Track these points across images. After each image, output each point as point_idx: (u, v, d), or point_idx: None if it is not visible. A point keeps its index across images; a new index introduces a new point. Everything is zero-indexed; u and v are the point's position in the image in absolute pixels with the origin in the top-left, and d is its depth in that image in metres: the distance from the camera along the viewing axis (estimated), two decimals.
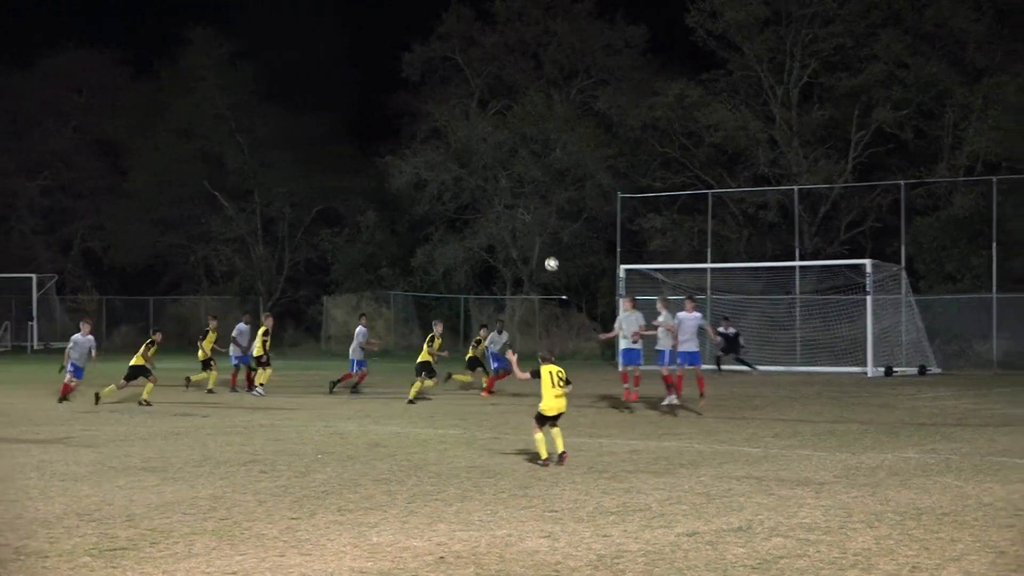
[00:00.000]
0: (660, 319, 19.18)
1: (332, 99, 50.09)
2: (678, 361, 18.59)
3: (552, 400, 12.21)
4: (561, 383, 12.26)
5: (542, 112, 43.69)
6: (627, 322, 19.73)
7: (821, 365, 31.83)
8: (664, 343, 19.11)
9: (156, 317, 50.01)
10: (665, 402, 18.96)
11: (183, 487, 11.72)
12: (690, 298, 19.31)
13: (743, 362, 30.43)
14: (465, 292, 44.53)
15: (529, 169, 43.47)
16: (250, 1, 52.64)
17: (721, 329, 29.34)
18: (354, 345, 23.37)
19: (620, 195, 37.91)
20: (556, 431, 12.35)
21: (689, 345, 18.47)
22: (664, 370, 18.94)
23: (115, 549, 8.64)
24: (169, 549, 8.62)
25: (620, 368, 21.93)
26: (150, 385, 20.84)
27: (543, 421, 12.34)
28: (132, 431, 17.05)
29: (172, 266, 54.11)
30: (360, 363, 23.29)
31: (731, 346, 30.25)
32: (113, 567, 8.02)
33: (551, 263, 21.60)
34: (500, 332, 24.17)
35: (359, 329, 23.47)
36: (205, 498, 11.01)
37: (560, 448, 12.24)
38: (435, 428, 17.13)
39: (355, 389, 23.22)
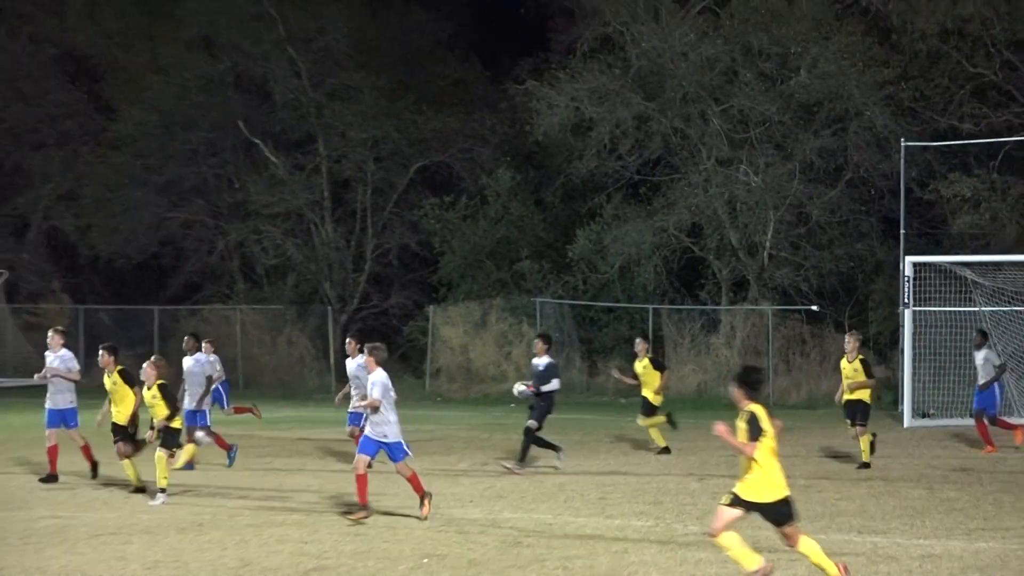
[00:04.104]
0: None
1: None
2: None
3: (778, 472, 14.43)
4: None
5: (777, 10, 47.97)
6: None
7: None
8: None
9: (164, 336, 56.38)
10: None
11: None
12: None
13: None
14: (655, 299, 49.64)
15: (757, 102, 48.28)
16: None
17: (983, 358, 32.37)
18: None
19: (904, 144, 42.03)
20: (808, 544, 14.48)
21: None
22: None
23: None
24: None
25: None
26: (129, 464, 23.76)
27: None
28: (128, 519, 19.35)
29: (189, 257, 61.05)
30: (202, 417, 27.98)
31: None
32: None
33: (519, 387, 27.62)
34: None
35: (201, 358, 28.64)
36: None
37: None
38: (607, 517, 19.41)
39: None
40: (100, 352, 24.41)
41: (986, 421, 30.72)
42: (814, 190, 48.64)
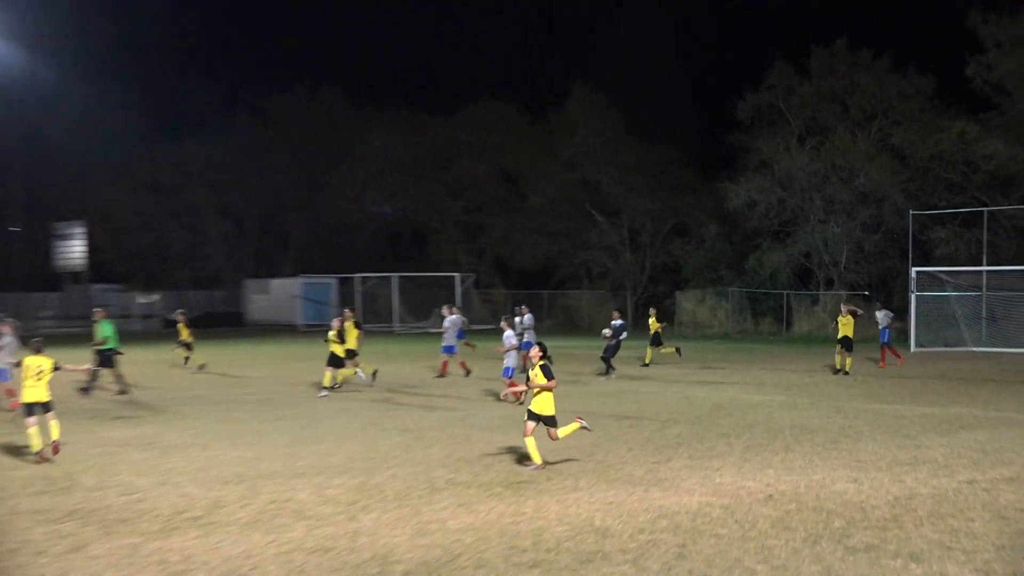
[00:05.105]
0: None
1: (682, 136, 62.79)
2: None
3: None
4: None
5: (848, 147, 49.91)
6: None
7: None
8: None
9: (549, 307, 61.27)
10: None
11: (571, 437, 13.55)
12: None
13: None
14: (787, 288, 50.73)
15: (838, 192, 50.00)
16: (618, 61, 66.60)
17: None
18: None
19: (912, 212, 44.30)
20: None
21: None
22: None
23: (520, 483, 10.62)
24: (560, 484, 10.49)
25: None
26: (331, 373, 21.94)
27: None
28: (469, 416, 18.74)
29: (560, 267, 64.03)
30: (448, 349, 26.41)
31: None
32: (519, 495, 10.12)
33: (606, 332, 26.42)
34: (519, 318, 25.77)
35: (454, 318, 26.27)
36: (588, 445, 12.85)
37: None
38: (764, 395, 19.43)
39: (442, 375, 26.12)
40: (344, 311, 23.20)
41: (886, 349, 31.19)
42: (867, 235, 50.50)
